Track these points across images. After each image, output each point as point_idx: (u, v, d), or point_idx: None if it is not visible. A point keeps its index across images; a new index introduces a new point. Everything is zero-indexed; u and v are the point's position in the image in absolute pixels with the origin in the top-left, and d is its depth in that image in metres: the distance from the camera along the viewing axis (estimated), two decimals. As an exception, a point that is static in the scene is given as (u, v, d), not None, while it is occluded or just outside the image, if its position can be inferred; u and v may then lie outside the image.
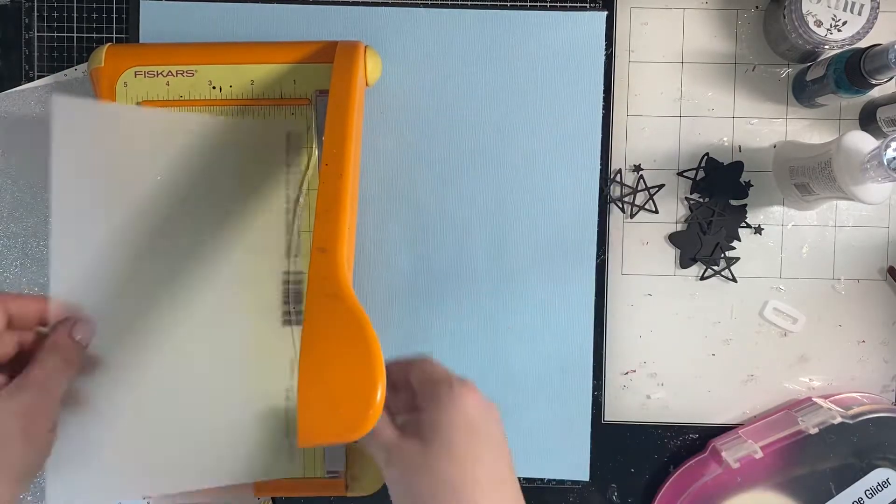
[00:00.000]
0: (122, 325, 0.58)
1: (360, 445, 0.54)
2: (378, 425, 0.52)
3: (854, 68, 0.60)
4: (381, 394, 0.45)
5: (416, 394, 0.53)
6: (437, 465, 0.50)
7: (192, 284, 0.61)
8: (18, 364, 0.51)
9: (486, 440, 0.52)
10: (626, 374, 0.70)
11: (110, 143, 0.59)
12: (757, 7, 0.68)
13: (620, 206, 0.69)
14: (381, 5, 0.68)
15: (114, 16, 0.69)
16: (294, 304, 0.64)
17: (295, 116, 0.64)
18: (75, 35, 0.69)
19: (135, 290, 0.59)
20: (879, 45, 0.59)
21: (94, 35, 0.69)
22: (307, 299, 0.47)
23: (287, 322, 0.64)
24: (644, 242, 0.70)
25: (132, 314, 0.59)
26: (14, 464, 0.48)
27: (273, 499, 0.70)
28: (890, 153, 0.54)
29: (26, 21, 0.69)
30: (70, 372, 0.53)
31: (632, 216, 0.70)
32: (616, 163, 0.69)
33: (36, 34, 0.69)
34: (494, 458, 0.52)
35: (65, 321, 0.54)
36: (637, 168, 0.69)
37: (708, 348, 0.70)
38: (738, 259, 0.69)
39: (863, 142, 0.59)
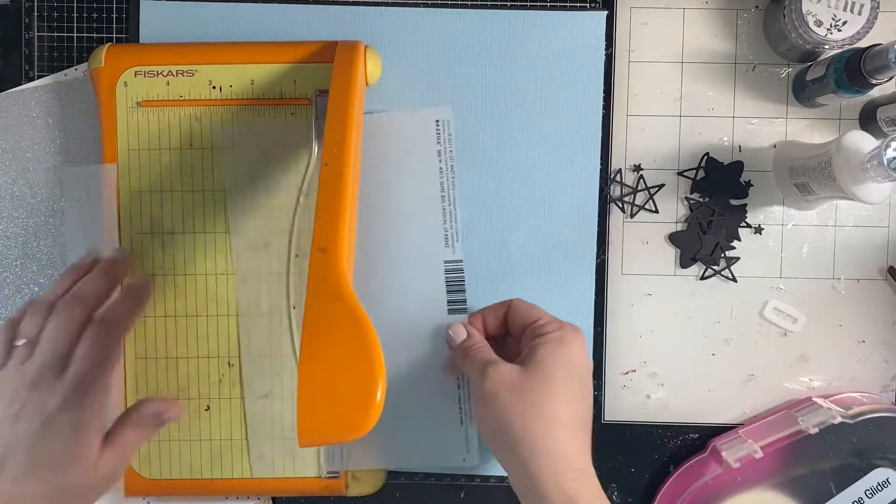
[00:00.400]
0: None
1: (455, 359, 0.61)
2: (479, 345, 0.60)
3: (854, 68, 0.60)
4: (381, 393, 0.45)
5: (508, 338, 0.59)
6: (533, 391, 0.53)
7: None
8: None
9: (581, 385, 0.56)
10: (626, 373, 0.70)
11: None
12: (757, 7, 0.68)
13: (620, 205, 0.69)
14: (381, 5, 0.68)
15: (114, 16, 0.69)
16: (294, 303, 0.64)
17: (295, 116, 0.64)
18: (75, 35, 0.69)
19: None
20: (879, 44, 0.59)
21: (94, 35, 0.69)
22: (307, 299, 0.47)
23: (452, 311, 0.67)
24: (644, 242, 0.70)
25: None
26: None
27: (273, 499, 0.70)
28: (890, 153, 0.54)
29: (26, 21, 0.69)
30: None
31: (632, 216, 0.69)
32: (616, 163, 0.69)
33: (36, 34, 0.69)
34: (584, 404, 0.56)
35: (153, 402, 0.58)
36: (637, 168, 0.69)
37: (708, 348, 0.70)
38: (738, 259, 0.69)
39: (863, 142, 0.59)
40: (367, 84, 0.64)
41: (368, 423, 0.44)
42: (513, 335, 0.61)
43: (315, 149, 0.64)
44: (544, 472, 0.52)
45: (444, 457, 0.67)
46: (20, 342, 0.55)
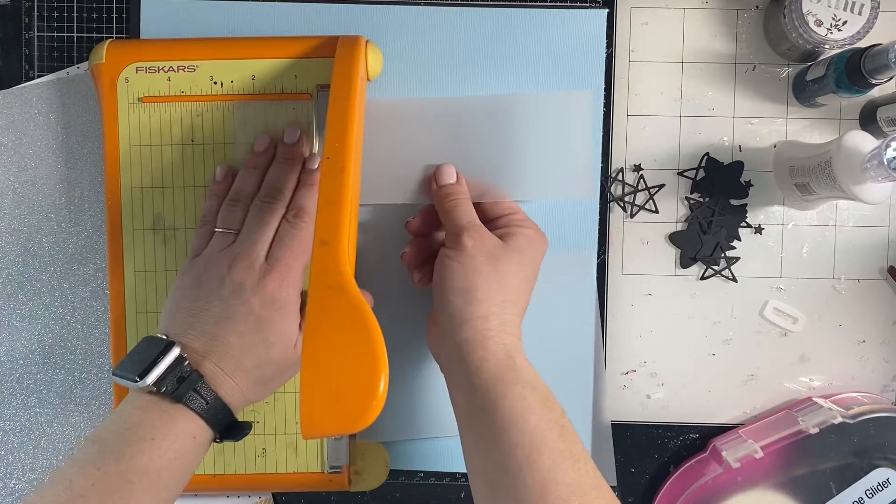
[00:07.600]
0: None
1: (438, 198, 0.63)
2: (466, 197, 0.63)
3: (854, 68, 0.60)
4: (383, 385, 0.44)
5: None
6: (506, 265, 0.58)
7: None
8: None
9: (533, 283, 0.61)
10: (626, 373, 0.70)
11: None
12: (757, 7, 0.69)
13: (622, 205, 0.69)
14: (383, 3, 0.68)
15: (114, 15, 0.69)
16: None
17: (296, 111, 0.64)
18: (75, 35, 0.69)
19: None
20: (879, 44, 0.59)
21: (95, 35, 0.69)
22: (310, 292, 0.47)
23: None
24: (644, 242, 0.70)
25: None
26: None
27: (273, 495, 0.70)
28: (890, 153, 0.55)
29: (26, 21, 0.69)
30: None
31: (632, 216, 0.70)
32: (616, 162, 0.69)
33: (36, 34, 0.69)
34: (529, 298, 0.61)
35: None
36: (637, 168, 0.69)
37: (708, 348, 0.70)
38: (738, 259, 0.69)
39: (863, 142, 0.59)
40: (367, 79, 0.64)
41: (371, 415, 0.44)
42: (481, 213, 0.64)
43: (316, 143, 0.64)
44: (493, 331, 0.56)
45: (433, 426, 0.69)
46: (220, 230, 0.59)
